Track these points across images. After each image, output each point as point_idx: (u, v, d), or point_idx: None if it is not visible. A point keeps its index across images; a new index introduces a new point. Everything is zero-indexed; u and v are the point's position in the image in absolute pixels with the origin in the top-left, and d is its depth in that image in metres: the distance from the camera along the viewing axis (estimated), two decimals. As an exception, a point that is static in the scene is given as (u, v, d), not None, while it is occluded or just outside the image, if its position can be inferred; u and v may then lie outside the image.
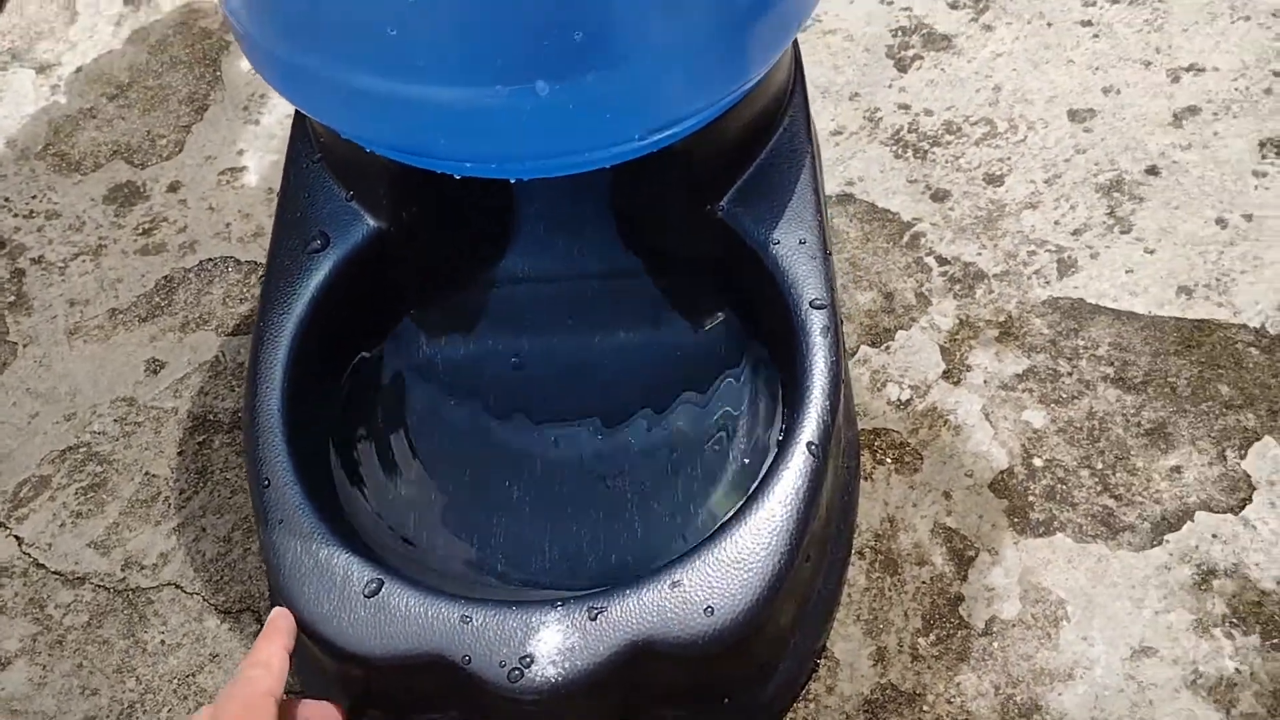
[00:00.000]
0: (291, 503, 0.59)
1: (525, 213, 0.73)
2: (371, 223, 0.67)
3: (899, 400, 0.72)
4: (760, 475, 0.58)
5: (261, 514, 0.59)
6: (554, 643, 0.54)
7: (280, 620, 0.55)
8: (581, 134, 0.55)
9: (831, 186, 0.82)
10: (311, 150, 0.69)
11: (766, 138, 0.67)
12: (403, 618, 0.55)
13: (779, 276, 0.64)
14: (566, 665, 0.54)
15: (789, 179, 0.67)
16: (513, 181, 0.71)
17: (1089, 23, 0.90)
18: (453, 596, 0.56)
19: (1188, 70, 0.87)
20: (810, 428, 0.59)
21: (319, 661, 0.59)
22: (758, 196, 0.66)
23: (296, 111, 0.72)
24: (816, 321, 0.62)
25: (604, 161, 0.58)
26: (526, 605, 0.55)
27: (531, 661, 0.54)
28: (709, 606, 0.55)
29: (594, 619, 0.54)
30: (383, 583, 0.56)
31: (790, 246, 0.64)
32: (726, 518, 0.57)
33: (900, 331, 0.75)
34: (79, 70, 0.92)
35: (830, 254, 0.65)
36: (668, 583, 0.55)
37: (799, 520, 0.57)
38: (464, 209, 0.71)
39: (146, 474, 0.73)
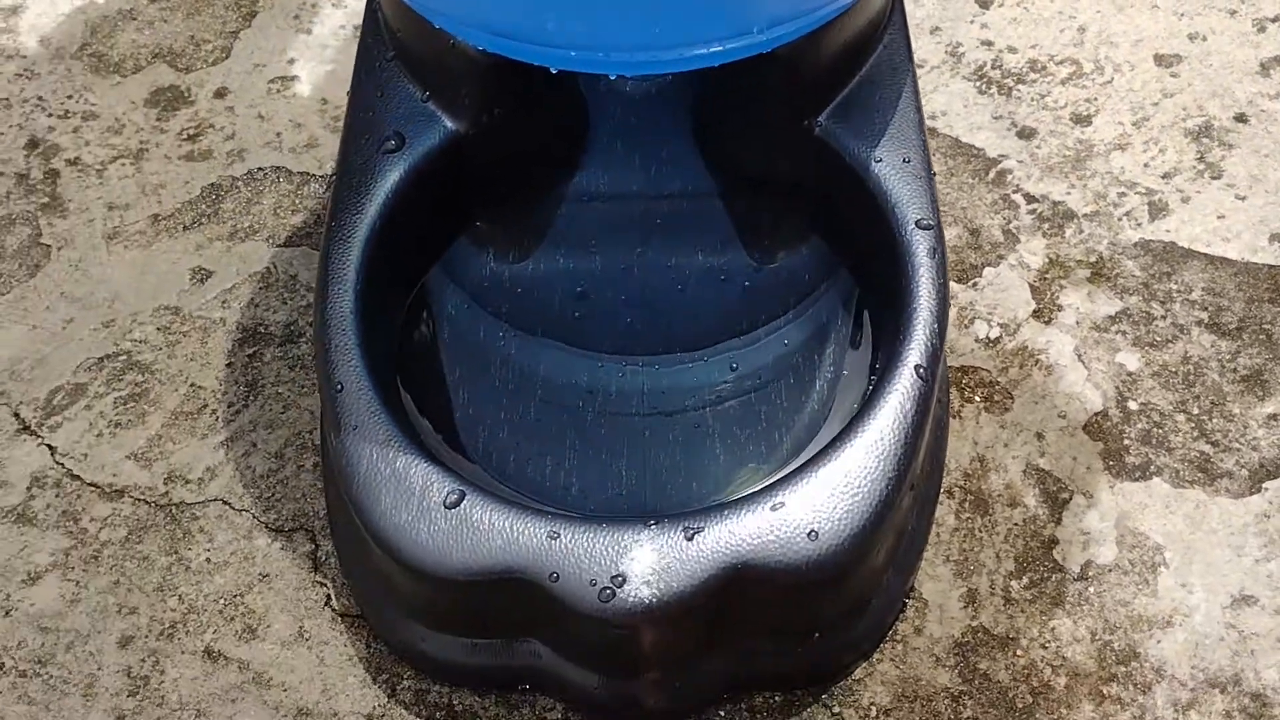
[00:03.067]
0: (366, 408, 0.55)
1: (604, 125, 0.70)
2: (449, 124, 0.63)
3: (988, 338, 0.69)
4: (865, 397, 0.55)
5: (334, 420, 0.55)
6: (648, 562, 0.51)
7: None
8: (700, 21, 0.52)
9: (911, 120, 0.79)
10: (385, 48, 0.65)
11: (867, 54, 0.64)
12: (486, 531, 0.52)
13: (881, 196, 0.60)
14: (661, 586, 0.50)
15: (890, 97, 0.64)
16: (600, 83, 0.67)
17: (1176, -34, 0.87)
18: (539, 511, 0.53)
19: (1274, 21, 0.84)
20: (918, 350, 0.56)
21: (390, 578, 0.55)
22: (858, 113, 0.63)
23: (367, 8, 0.68)
24: (922, 242, 0.59)
25: (714, 59, 0.54)
26: (618, 522, 0.52)
27: (624, 581, 0.51)
28: (813, 530, 0.52)
29: (690, 539, 0.51)
30: (465, 494, 0.53)
31: (894, 165, 0.61)
32: (830, 439, 0.54)
33: (988, 268, 0.72)
34: (117, -29, 0.88)
35: (934, 175, 0.62)
36: (769, 504, 0.52)
37: (907, 444, 0.54)
38: (544, 117, 0.67)
39: (192, 385, 0.69)
